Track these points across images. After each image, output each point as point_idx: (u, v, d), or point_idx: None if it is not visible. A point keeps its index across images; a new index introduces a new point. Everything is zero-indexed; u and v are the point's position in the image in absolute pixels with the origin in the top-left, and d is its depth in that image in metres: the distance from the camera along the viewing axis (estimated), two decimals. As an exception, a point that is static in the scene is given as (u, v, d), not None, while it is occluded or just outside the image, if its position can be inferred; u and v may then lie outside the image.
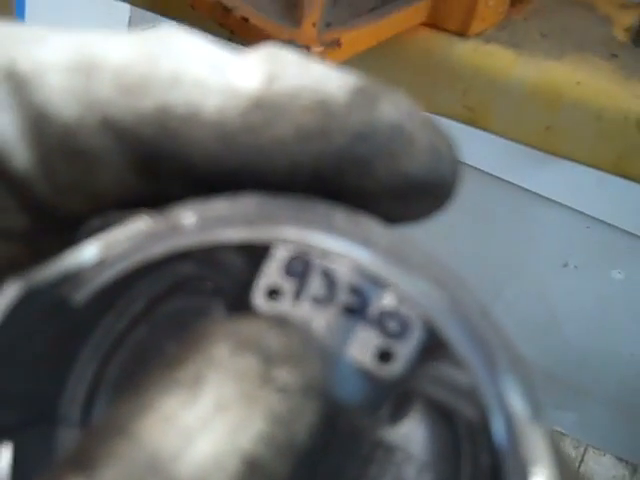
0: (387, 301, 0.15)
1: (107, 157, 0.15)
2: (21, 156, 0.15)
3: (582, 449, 1.08)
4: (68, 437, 0.16)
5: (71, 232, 0.17)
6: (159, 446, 0.12)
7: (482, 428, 0.14)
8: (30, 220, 0.16)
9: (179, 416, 0.13)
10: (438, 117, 0.60)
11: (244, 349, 0.14)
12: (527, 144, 0.58)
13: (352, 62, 0.55)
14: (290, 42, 0.50)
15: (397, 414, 0.16)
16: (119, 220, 0.16)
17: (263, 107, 0.15)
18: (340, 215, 0.15)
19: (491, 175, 1.16)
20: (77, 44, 0.16)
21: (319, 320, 0.15)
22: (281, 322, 0.15)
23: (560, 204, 1.14)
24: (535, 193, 1.15)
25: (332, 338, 0.15)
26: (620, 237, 1.12)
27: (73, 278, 0.15)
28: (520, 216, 1.19)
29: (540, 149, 0.58)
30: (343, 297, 0.15)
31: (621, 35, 0.58)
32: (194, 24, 0.63)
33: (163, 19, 0.73)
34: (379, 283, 0.15)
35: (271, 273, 0.15)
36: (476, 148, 1.11)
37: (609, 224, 1.12)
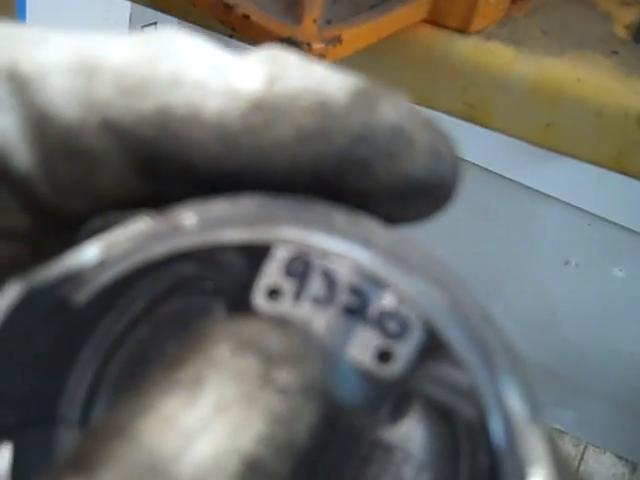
0: (387, 301, 0.15)
1: (108, 158, 0.15)
2: (23, 156, 0.15)
3: (582, 447, 1.08)
4: (68, 437, 0.16)
5: (72, 232, 0.17)
6: (159, 447, 0.12)
7: (481, 428, 0.14)
8: (32, 220, 0.16)
9: (179, 417, 0.13)
10: (439, 114, 0.60)
11: (244, 350, 0.14)
12: (527, 141, 0.58)
13: (353, 59, 0.55)
14: (291, 39, 0.50)
15: (396, 414, 0.16)
16: (120, 220, 0.16)
17: (263, 108, 0.15)
18: (340, 216, 0.15)
19: (492, 172, 1.16)
20: (78, 45, 0.16)
21: (319, 320, 0.15)
22: (281, 323, 0.15)
23: (561, 201, 1.14)
24: (536, 190, 1.15)
25: (332, 338, 0.15)
26: (621, 234, 1.12)
27: (74, 278, 0.15)
28: (521, 213, 1.19)
29: (540, 146, 0.58)
30: (343, 297, 0.15)
31: (622, 32, 0.58)
32: (195, 21, 0.64)
33: (164, 16, 0.73)
34: (379, 283, 0.15)
35: (271, 273, 0.15)
36: (476, 145, 1.11)
37: (610, 221, 1.12)
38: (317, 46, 0.51)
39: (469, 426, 0.16)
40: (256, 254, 0.16)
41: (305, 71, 0.16)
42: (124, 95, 0.15)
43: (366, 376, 0.15)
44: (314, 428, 0.14)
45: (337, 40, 0.52)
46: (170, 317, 0.17)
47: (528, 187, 1.15)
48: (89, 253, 0.15)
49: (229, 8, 0.53)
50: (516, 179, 1.15)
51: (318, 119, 0.15)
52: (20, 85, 0.15)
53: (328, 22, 0.53)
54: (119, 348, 0.17)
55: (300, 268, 0.15)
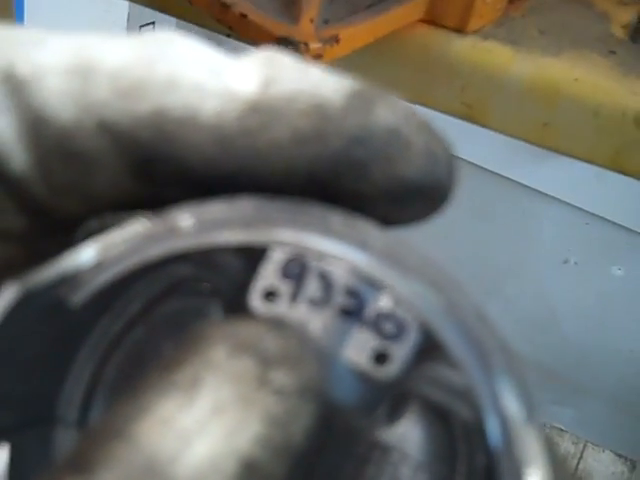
0: (383, 303, 0.15)
1: (104, 160, 0.16)
2: (18, 158, 0.15)
3: (581, 445, 1.09)
4: (65, 438, 0.17)
5: (69, 234, 0.17)
6: (157, 449, 0.12)
7: (477, 429, 0.14)
8: (28, 222, 0.16)
9: (176, 419, 0.13)
10: (436, 113, 0.60)
11: (241, 352, 0.14)
12: (525, 140, 0.58)
13: (350, 58, 0.55)
14: (288, 38, 0.50)
15: (393, 415, 0.16)
16: (116, 222, 0.16)
17: (260, 111, 0.15)
18: (336, 218, 0.15)
19: (490, 171, 1.16)
20: (75, 47, 0.16)
21: (316, 322, 0.15)
22: (278, 324, 0.15)
23: (559, 200, 1.14)
24: (534, 189, 1.15)
25: (328, 340, 0.15)
26: (620, 233, 1.12)
27: (70, 280, 0.15)
28: (519, 213, 1.20)
29: (538, 145, 0.58)
30: (339, 299, 0.15)
31: (619, 32, 0.58)
32: (193, 21, 0.63)
33: (162, 16, 0.73)
34: (375, 285, 0.15)
35: (268, 275, 0.15)
36: (474, 144, 1.11)
37: (609, 220, 1.12)
38: (314, 46, 0.51)
39: (466, 427, 0.16)
40: (253, 256, 0.16)
41: (301, 73, 0.16)
42: (120, 97, 0.15)
43: (363, 377, 0.15)
44: (311, 429, 0.14)
45: (334, 40, 0.52)
46: (167, 318, 0.17)
47: (526, 186, 1.15)
48: (85, 255, 0.15)
49: (226, 7, 0.53)
50: (514, 178, 1.15)
51: (314, 121, 0.15)
52: (16, 87, 0.15)
53: (325, 22, 0.53)
54: (116, 349, 0.17)
55: (296, 270, 0.15)
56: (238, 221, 0.15)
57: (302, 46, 0.51)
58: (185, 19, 0.70)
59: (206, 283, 0.17)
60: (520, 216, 1.20)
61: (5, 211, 0.16)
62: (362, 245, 0.15)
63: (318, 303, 0.15)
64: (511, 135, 0.59)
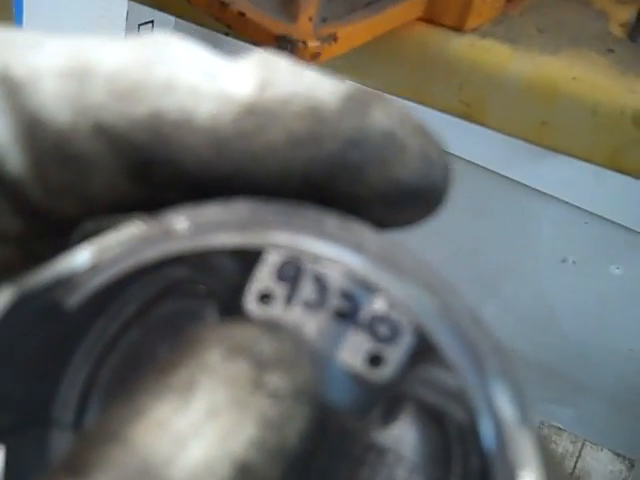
0: (378, 306, 0.15)
1: (100, 162, 0.16)
2: (15, 160, 0.15)
3: (580, 444, 1.09)
4: (61, 440, 0.17)
5: (65, 236, 0.17)
6: (152, 451, 0.12)
7: (472, 431, 0.14)
8: (24, 224, 0.16)
9: (171, 422, 0.13)
10: (434, 112, 0.60)
11: (236, 355, 0.14)
12: (523, 139, 0.58)
13: (349, 57, 0.55)
14: (286, 37, 0.50)
15: (388, 417, 0.16)
16: (113, 224, 0.16)
17: (255, 113, 0.15)
18: (332, 221, 0.15)
19: (488, 170, 1.16)
20: (71, 50, 0.16)
21: (310, 324, 0.15)
22: (273, 327, 0.15)
23: (558, 199, 1.14)
24: (533, 188, 1.15)
25: (323, 342, 0.15)
26: (618, 233, 1.12)
27: (66, 282, 0.15)
28: (518, 211, 1.20)
29: (536, 144, 0.58)
30: (334, 302, 0.15)
31: (617, 30, 0.58)
32: (191, 19, 0.63)
33: (161, 14, 0.73)
34: (370, 288, 0.15)
35: (263, 278, 0.16)
36: (472, 143, 1.11)
37: (607, 219, 1.12)
38: (312, 44, 0.51)
39: (460, 429, 0.16)
40: (248, 258, 0.16)
41: (297, 76, 0.16)
42: (117, 99, 0.15)
43: (357, 380, 0.15)
44: (305, 432, 0.14)
45: (332, 38, 0.52)
46: (162, 320, 0.17)
47: (525, 185, 1.15)
48: (81, 257, 0.15)
49: (224, 5, 0.53)
50: (512, 177, 1.15)
51: (309, 124, 0.15)
52: (12, 89, 0.15)
53: (323, 20, 0.53)
54: (112, 351, 0.17)
55: (291, 273, 0.15)
56: (233, 224, 0.15)
57: (300, 44, 0.51)
58: (184, 17, 0.70)
59: (202, 285, 0.17)
60: (518, 215, 1.20)
61: (1, 213, 0.16)
62: (357, 248, 0.15)
63: (313, 306, 0.15)
64: (509, 134, 0.59)
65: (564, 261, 1.19)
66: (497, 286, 1.26)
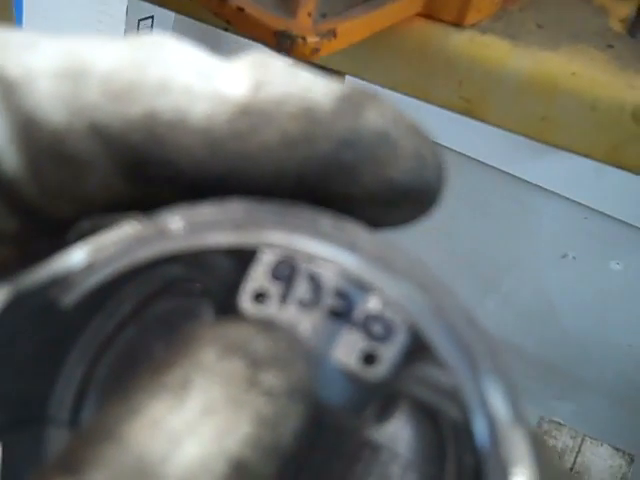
0: (372, 305, 0.15)
1: (95, 162, 0.16)
2: (10, 160, 0.15)
3: (579, 439, 1.09)
4: (57, 438, 0.17)
5: (61, 235, 0.17)
6: (147, 450, 0.12)
7: (465, 429, 0.14)
8: (20, 223, 0.16)
9: (167, 420, 0.13)
10: (434, 108, 0.60)
11: (231, 353, 0.14)
12: (523, 134, 0.58)
13: (348, 53, 0.55)
14: (285, 32, 0.50)
15: (383, 414, 0.16)
16: (108, 224, 0.16)
17: (250, 114, 0.15)
18: (326, 220, 0.15)
19: (488, 166, 1.16)
20: (66, 50, 0.16)
21: (305, 323, 0.15)
22: (267, 326, 0.15)
23: (558, 195, 1.14)
24: (533, 184, 1.15)
25: (318, 341, 0.15)
26: (618, 228, 1.12)
27: (62, 281, 0.15)
28: (518, 207, 1.19)
29: (536, 139, 0.58)
30: (329, 301, 0.15)
31: (617, 26, 0.58)
32: (191, 14, 0.63)
33: (161, 10, 0.73)
34: (364, 287, 0.15)
35: (258, 277, 0.16)
36: (472, 139, 1.11)
37: (608, 215, 1.11)
38: (312, 40, 0.51)
39: (455, 427, 0.16)
40: (243, 258, 0.16)
41: (291, 77, 0.16)
42: (112, 100, 0.15)
43: (351, 378, 0.15)
44: (300, 430, 0.14)
45: (332, 34, 0.52)
46: (158, 319, 0.17)
47: (525, 181, 1.15)
48: (77, 256, 0.15)
49: (223, 1, 0.53)
50: (512, 173, 1.15)
51: (303, 124, 0.15)
52: (7, 89, 0.15)
53: (323, 16, 0.53)
54: (107, 350, 0.17)
55: (286, 272, 0.15)
56: (228, 223, 0.15)
57: (299, 40, 0.50)
58: (183, 13, 0.70)
59: (197, 284, 0.17)
60: (518, 211, 1.20)
61: None
62: (351, 247, 0.15)
63: (307, 304, 0.15)
64: (509, 129, 0.58)
65: (564, 257, 1.19)
66: (497, 282, 1.26)
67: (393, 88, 0.61)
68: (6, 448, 0.15)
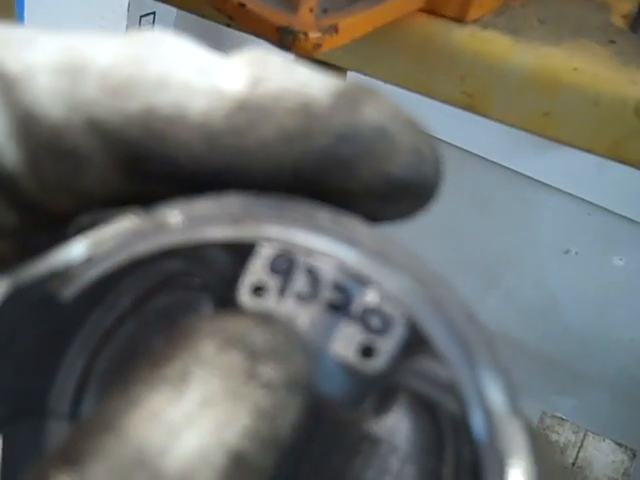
0: (370, 298, 0.15)
1: (93, 157, 0.16)
2: (9, 154, 0.16)
3: (581, 434, 1.09)
4: (57, 430, 0.17)
5: (60, 230, 0.17)
6: (146, 441, 0.12)
7: (463, 422, 0.14)
8: (19, 218, 0.16)
9: (166, 412, 0.13)
10: (437, 103, 0.60)
11: (230, 346, 0.14)
12: (525, 130, 0.58)
13: (350, 48, 0.55)
14: (287, 28, 0.50)
15: (382, 407, 0.16)
16: (107, 218, 0.16)
17: (247, 109, 0.15)
18: (324, 214, 0.15)
19: (490, 161, 1.16)
20: (65, 46, 0.16)
21: (303, 316, 0.15)
22: (266, 319, 0.15)
23: (560, 190, 1.14)
24: (535, 179, 1.15)
25: (316, 334, 0.15)
26: (621, 224, 1.12)
27: (61, 275, 0.15)
28: (520, 203, 1.19)
29: (538, 135, 0.58)
30: (327, 294, 0.15)
31: (619, 21, 0.58)
32: (192, 10, 0.63)
33: (162, 6, 0.73)
34: (362, 281, 0.15)
35: (256, 270, 0.16)
36: (475, 134, 1.11)
37: (610, 211, 1.11)
38: (314, 35, 0.51)
39: (453, 419, 0.16)
40: (241, 252, 0.16)
41: (288, 72, 0.16)
42: (110, 95, 0.15)
43: (350, 371, 0.16)
44: (298, 422, 0.14)
45: (333, 29, 0.52)
46: (157, 313, 0.17)
47: (527, 176, 1.15)
48: (76, 250, 0.15)
49: (225, -3, 0.53)
50: (515, 168, 1.15)
51: (301, 120, 0.15)
52: (7, 84, 0.15)
53: (324, 11, 0.53)
54: (107, 343, 0.17)
55: (284, 265, 0.15)
56: (226, 217, 0.15)
57: (301, 36, 0.50)
58: (185, 9, 0.70)
59: (196, 278, 0.17)
60: (521, 206, 1.19)
61: None
62: (349, 241, 0.15)
63: (306, 298, 0.15)
64: (511, 125, 0.58)
65: (567, 252, 1.19)
66: (499, 277, 1.26)
67: (395, 83, 0.61)
68: (6, 440, 0.16)
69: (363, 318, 0.15)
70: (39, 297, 0.15)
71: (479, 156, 1.16)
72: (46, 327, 0.16)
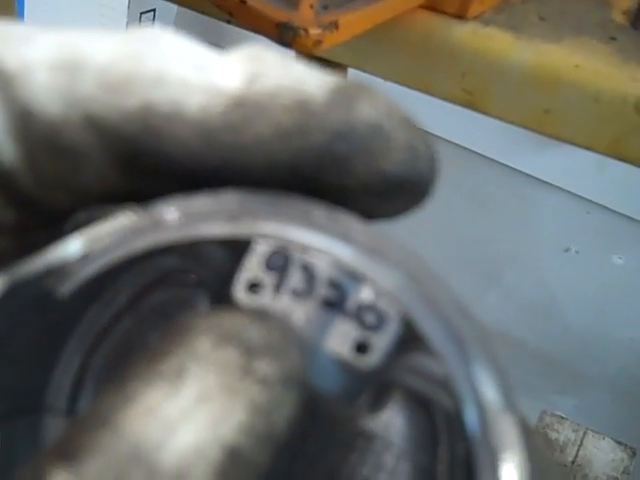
0: (364, 295, 0.15)
1: (91, 154, 0.16)
2: (7, 151, 0.16)
3: (581, 433, 1.09)
4: (55, 427, 0.17)
5: (58, 226, 0.17)
6: (142, 437, 0.12)
7: (458, 418, 0.14)
8: (16, 214, 0.16)
9: (162, 408, 0.13)
10: (437, 100, 0.60)
11: (226, 342, 0.14)
12: (525, 127, 0.58)
13: (351, 45, 0.55)
14: (287, 24, 0.50)
15: (377, 404, 0.16)
16: (104, 215, 0.16)
17: (244, 106, 0.15)
18: (319, 211, 0.15)
19: (490, 159, 1.16)
20: (63, 43, 0.16)
21: (298, 313, 0.15)
22: (262, 315, 0.15)
23: (560, 189, 1.14)
24: (535, 178, 1.15)
25: (311, 330, 0.15)
26: (621, 222, 1.11)
27: (58, 271, 0.15)
28: (520, 201, 1.19)
29: (539, 132, 0.58)
30: (322, 291, 0.15)
31: (620, 18, 0.58)
32: (193, 6, 0.63)
33: (162, 2, 0.73)
34: (357, 277, 0.15)
35: (252, 267, 0.16)
36: (474, 131, 1.10)
37: (610, 209, 1.11)
38: (314, 32, 0.51)
39: (447, 416, 0.16)
40: (237, 248, 0.16)
41: (285, 70, 0.16)
42: (107, 92, 0.15)
43: (344, 367, 0.16)
44: (294, 418, 0.14)
45: (334, 26, 0.52)
46: (154, 309, 0.18)
47: (527, 174, 1.15)
48: (72, 246, 0.15)
49: (225, -6, 0.52)
50: (515, 166, 1.15)
51: (297, 116, 0.15)
52: (5, 81, 0.16)
53: (325, 7, 0.53)
54: (104, 340, 0.17)
55: (280, 262, 0.16)
56: (222, 214, 0.15)
57: (302, 32, 0.50)
58: (185, 5, 0.70)
59: (192, 275, 0.17)
60: (521, 204, 1.19)
61: None
62: (344, 238, 0.15)
63: (301, 294, 0.15)
64: (511, 122, 0.58)
65: (566, 250, 1.19)
66: (499, 275, 1.26)
67: (395, 80, 0.61)
68: (3, 437, 0.16)
69: (358, 315, 0.15)
70: (35, 294, 0.15)
71: (478, 154, 1.16)
72: (43, 324, 0.16)
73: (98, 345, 0.17)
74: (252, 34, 0.53)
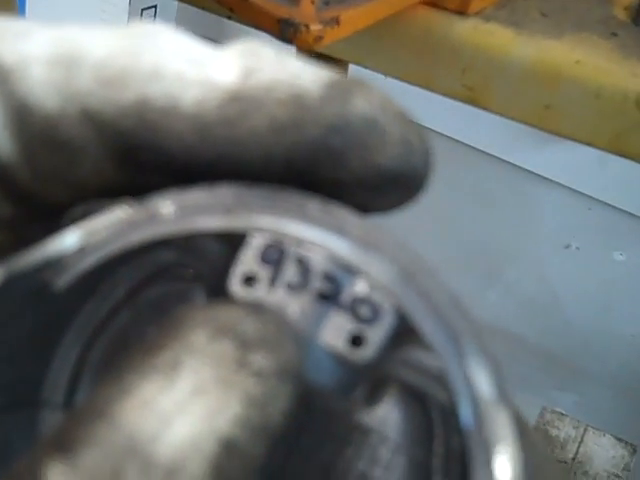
0: (359, 288, 0.15)
1: (87, 148, 0.16)
2: (4, 145, 0.16)
3: (582, 429, 1.09)
4: (52, 420, 0.17)
5: (55, 220, 0.17)
6: (137, 429, 0.13)
7: (452, 411, 0.14)
8: (14, 208, 0.17)
9: (157, 400, 0.13)
10: (438, 96, 0.60)
11: (221, 335, 0.14)
12: (526, 123, 0.58)
13: (352, 41, 0.55)
14: (289, 20, 0.50)
15: (372, 398, 0.17)
16: (101, 208, 0.16)
17: (239, 100, 0.16)
18: (314, 205, 0.15)
19: (491, 155, 1.16)
20: (60, 38, 0.16)
21: (293, 306, 0.16)
22: (257, 308, 0.15)
23: (561, 185, 1.14)
24: (536, 174, 1.15)
25: (306, 323, 0.16)
26: (622, 219, 1.11)
27: (54, 264, 0.15)
28: (521, 197, 1.19)
29: (539, 128, 0.58)
30: (317, 284, 0.15)
31: (621, 14, 0.57)
32: (193, 2, 0.63)
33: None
34: (352, 271, 0.15)
35: (247, 260, 0.16)
36: (475, 128, 1.10)
37: (611, 205, 1.11)
38: (315, 27, 0.51)
39: (442, 409, 0.16)
40: (233, 242, 0.16)
41: (280, 64, 0.16)
42: (104, 86, 0.16)
43: (339, 360, 0.16)
44: (289, 410, 0.14)
45: (335, 21, 0.52)
46: (151, 303, 0.18)
47: (528, 170, 1.15)
48: (69, 239, 0.15)
49: (226, -11, 0.52)
50: (515, 162, 1.15)
51: (292, 111, 0.15)
52: (1, 76, 0.16)
53: (326, 3, 0.53)
54: (101, 333, 0.17)
55: (275, 255, 0.16)
56: (218, 208, 0.15)
57: (303, 28, 0.50)
58: (186, 1, 0.70)
59: (189, 268, 0.17)
60: (521, 201, 1.19)
61: None
62: (339, 231, 0.15)
63: (296, 288, 0.16)
64: (512, 118, 0.58)
65: (567, 247, 1.19)
66: (500, 272, 1.25)
67: (396, 76, 0.61)
68: (1, 431, 0.16)
69: (352, 308, 0.15)
70: (32, 287, 0.15)
71: (479, 150, 1.15)
72: (40, 317, 0.16)
73: (95, 338, 0.17)
74: (253, 30, 0.53)
